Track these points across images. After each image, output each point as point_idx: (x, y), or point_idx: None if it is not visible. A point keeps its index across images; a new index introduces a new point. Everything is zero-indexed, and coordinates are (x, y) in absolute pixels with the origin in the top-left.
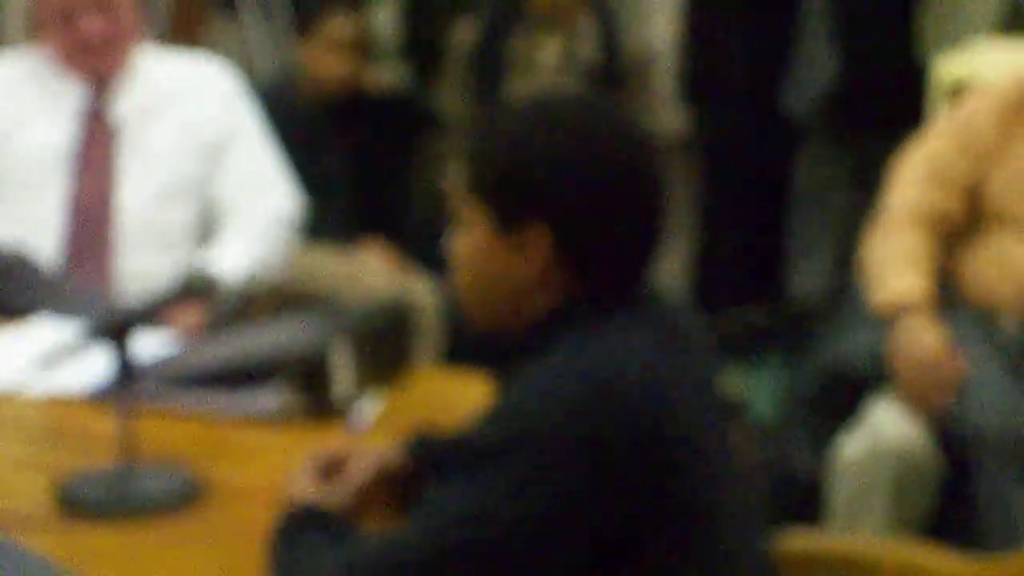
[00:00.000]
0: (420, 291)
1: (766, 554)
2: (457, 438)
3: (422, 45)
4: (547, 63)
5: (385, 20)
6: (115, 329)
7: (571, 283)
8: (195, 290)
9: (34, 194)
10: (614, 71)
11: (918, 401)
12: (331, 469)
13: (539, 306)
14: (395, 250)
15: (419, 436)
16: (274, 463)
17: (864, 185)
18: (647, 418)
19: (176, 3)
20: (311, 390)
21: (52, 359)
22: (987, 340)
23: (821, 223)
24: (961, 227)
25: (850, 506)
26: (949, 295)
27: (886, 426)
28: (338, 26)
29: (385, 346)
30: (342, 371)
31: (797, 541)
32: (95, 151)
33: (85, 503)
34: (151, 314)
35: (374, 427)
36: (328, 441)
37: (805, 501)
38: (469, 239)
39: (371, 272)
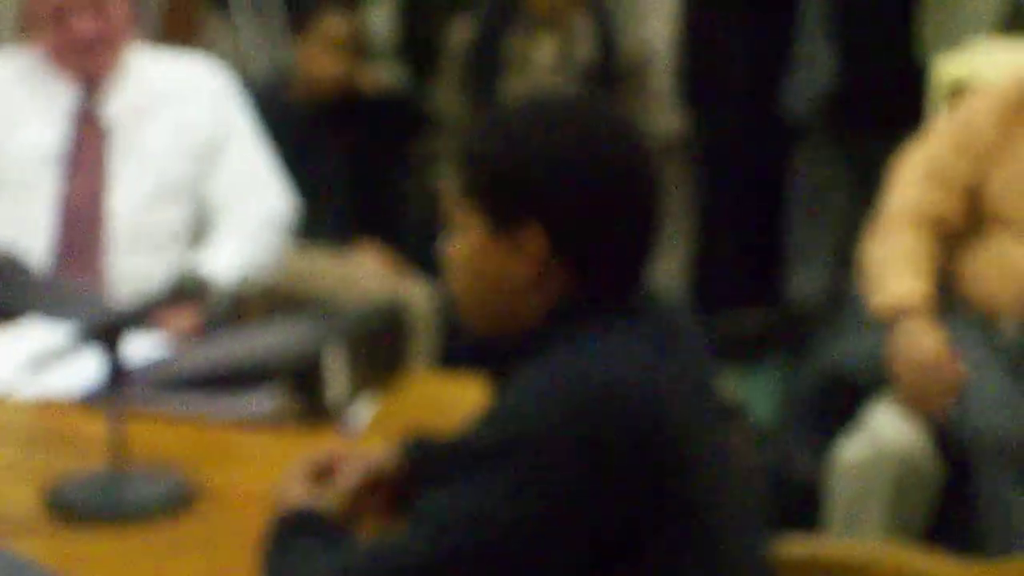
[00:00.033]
0: (415, 294)
1: (765, 558)
2: (453, 441)
3: (419, 45)
4: (543, 63)
5: (381, 19)
6: (106, 331)
7: (567, 285)
8: (187, 292)
9: (25, 195)
10: (611, 71)
11: (917, 404)
12: (323, 473)
13: (535, 308)
14: (390, 252)
15: (414, 440)
16: (267, 467)
17: (863, 186)
18: (644, 420)
19: (169, 2)
20: (305, 393)
21: (42, 362)
22: (987, 343)
23: (820, 224)
24: (961, 228)
25: (849, 510)
26: (949, 297)
27: (885, 430)
28: (333, 25)
29: (380, 349)
30: (336, 374)
31: (796, 545)
32: (87, 152)
33: (75, 508)
34: (143, 316)
35: (368, 431)
36: (322, 445)
37: (804, 505)
38: (464, 241)
39: (366, 274)
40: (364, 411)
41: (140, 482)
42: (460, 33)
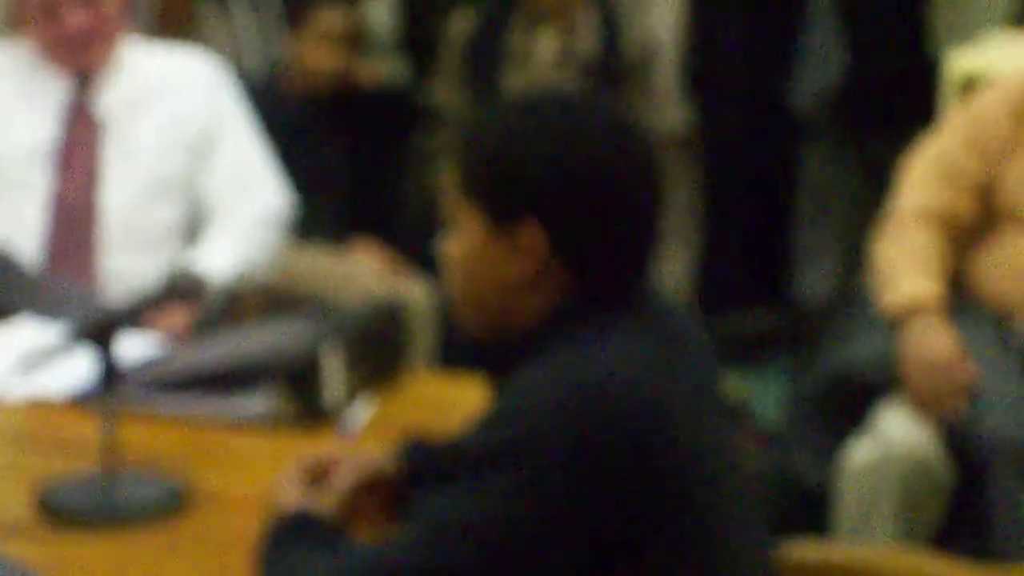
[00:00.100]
0: (414, 292)
1: (771, 561)
2: (451, 443)
3: (420, 39)
4: (544, 58)
5: (382, 13)
6: (99, 331)
7: (566, 284)
8: (181, 291)
9: (15, 192)
10: (614, 66)
11: (928, 406)
12: (320, 475)
13: (533, 308)
14: (388, 250)
15: (412, 442)
16: (263, 469)
17: (872, 184)
18: (642, 422)
19: None
20: (301, 394)
21: (34, 362)
22: (1000, 343)
23: (828, 223)
24: (973, 226)
25: (858, 514)
26: (961, 296)
27: (895, 432)
28: (330, 18)
29: (377, 349)
30: (333, 375)
31: (803, 550)
32: (79, 147)
33: (67, 510)
34: (136, 315)
35: (365, 432)
36: (318, 447)
37: (811, 509)
38: (462, 239)
39: (363, 273)
40: (362, 412)
41: (133, 484)
42: (459, 26)
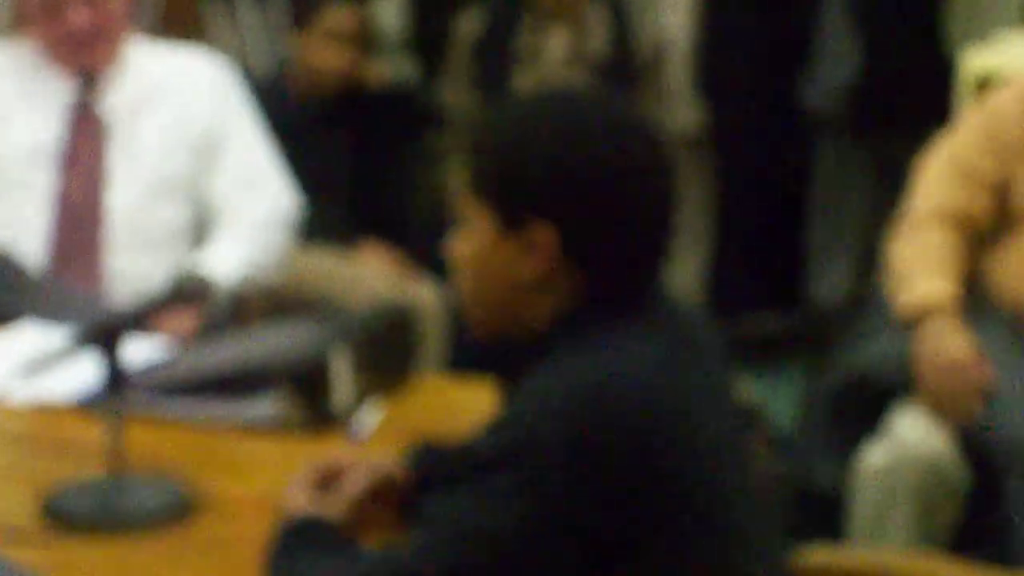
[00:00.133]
0: (423, 295)
1: (784, 566)
2: (460, 449)
3: (429, 39)
4: (554, 56)
5: (391, 13)
6: (104, 334)
7: (577, 286)
8: (187, 293)
9: (19, 193)
10: (625, 65)
11: (944, 408)
12: (329, 480)
13: (543, 310)
14: (397, 252)
15: (421, 447)
16: (270, 474)
17: (887, 184)
18: (639, 423)
19: None
20: (309, 398)
21: (38, 365)
22: (1016, 344)
23: (842, 224)
24: (989, 226)
25: (873, 519)
26: (977, 298)
27: (910, 435)
28: (337, 17)
29: (386, 352)
30: (341, 378)
31: (817, 555)
32: (83, 148)
33: (72, 516)
34: (142, 318)
35: (374, 437)
36: (327, 451)
37: (826, 513)
38: (472, 240)
39: (371, 275)
40: (370, 416)
41: (139, 489)
42: (468, 26)
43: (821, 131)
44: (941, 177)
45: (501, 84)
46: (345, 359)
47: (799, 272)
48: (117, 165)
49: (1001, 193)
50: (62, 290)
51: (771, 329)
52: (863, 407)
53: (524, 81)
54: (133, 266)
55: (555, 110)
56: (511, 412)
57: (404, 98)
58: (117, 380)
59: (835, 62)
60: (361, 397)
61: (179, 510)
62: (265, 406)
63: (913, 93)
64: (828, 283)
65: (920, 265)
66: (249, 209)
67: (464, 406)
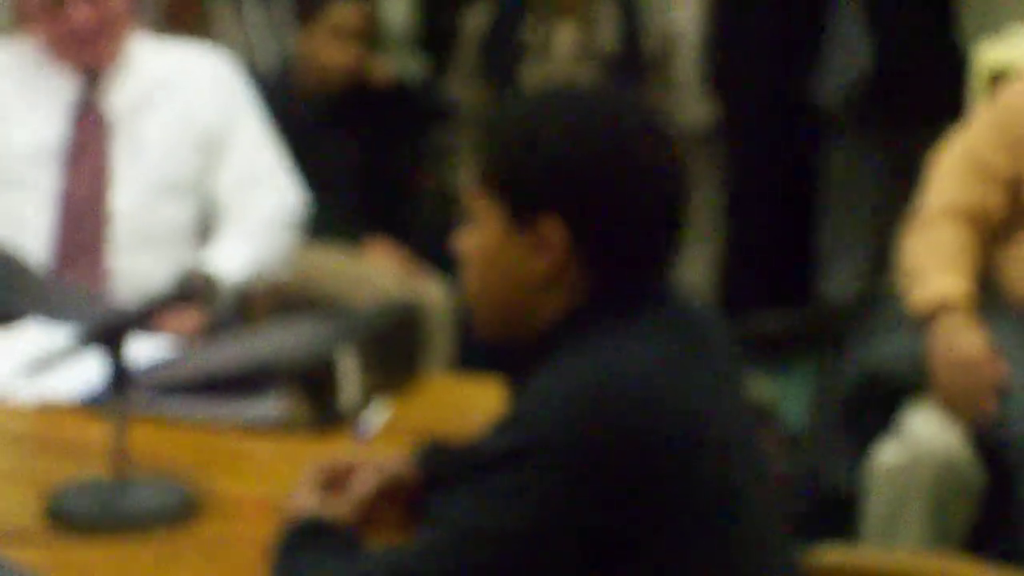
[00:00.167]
0: (430, 293)
1: (796, 566)
2: (467, 448)
3: (438, 35)
4: (563, 51)
5: (399, 9)
6: (108, 333)
7: (586, 283)
8: (192, 292)
9: (22, 192)
10: (634, 59)
11: (958, 406)
12: (336, 481)
13: (551, 308)
14: (404, 250)
15: (429, 446)
16: (276, 474)
17: (900, 180)
18: (640, 423)
19: None
20: (315, 397)
21: (42, 365)
22: None
23: (855, 220)
24: (1003, 222)
25: (886, 518)
26: (991, 295)
27: (924, 433)
28: (343, 13)
29: (393, 351)
30: (348, 377)
31: (830, 555)
32: (87, 146)
33: (76, 516)
34: (146, 317)
35: (381, 436)
36: (333, 451)
37: (839, 513)
38: (480, 236)
39: (378, 273)
40: (377, 415)
41: (143, 490)
42: (476, 21)
43: (832, 126)
44: (954, 173)
45: (509, 79)
46: (352, 358)
47: (810, 269)
48: (121, 163)
49: (1014, 188)
50: (66, 289)
51: (782, 327)
52: (876, 405)
53: (532, 76)
54: (137, 265)
55: (565, 105)
56: (514, 412)
57: (411, 95)
58: (121, 380)
59: (847, 56)
60: (368, 396)
61: (183, 510)
62: (271, 406)
63: (925, 88)
64: (840, 280)
65: (933, 261)
66: (255, 207)
67: (472, 405)
